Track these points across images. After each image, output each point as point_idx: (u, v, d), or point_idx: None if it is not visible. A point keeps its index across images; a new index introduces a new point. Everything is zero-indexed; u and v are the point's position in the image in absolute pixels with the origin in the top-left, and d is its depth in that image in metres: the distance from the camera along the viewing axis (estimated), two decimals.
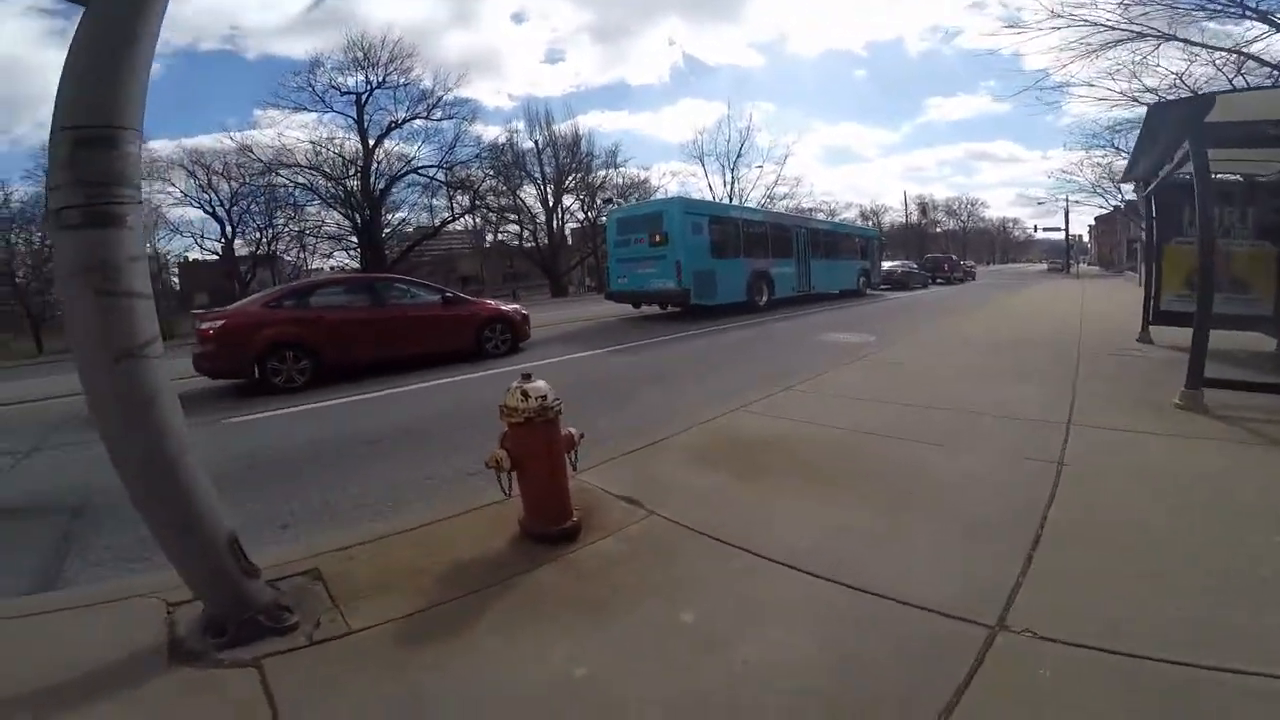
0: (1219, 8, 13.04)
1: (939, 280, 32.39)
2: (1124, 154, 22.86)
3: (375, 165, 34.97)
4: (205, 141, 42.39)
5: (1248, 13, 12.93)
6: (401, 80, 34.52)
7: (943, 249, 59.60)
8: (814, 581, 2.20)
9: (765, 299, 15.61)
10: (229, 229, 35.40)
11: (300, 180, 34.01)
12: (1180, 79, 14.46)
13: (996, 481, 3.09)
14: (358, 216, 34.84)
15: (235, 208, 34.85)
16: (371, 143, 34.66)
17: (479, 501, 2.97)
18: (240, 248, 36.50)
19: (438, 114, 35.63)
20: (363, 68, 33.65)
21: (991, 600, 2.02)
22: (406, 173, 35.98)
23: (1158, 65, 14.86)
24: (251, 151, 32.57)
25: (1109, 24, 13.74)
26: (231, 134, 33.14)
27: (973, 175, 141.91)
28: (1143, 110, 16.60)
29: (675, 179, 45.96)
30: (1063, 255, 51.64)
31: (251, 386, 7.10)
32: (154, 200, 33.29)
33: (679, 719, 1.62)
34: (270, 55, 68.45)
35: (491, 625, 2.07)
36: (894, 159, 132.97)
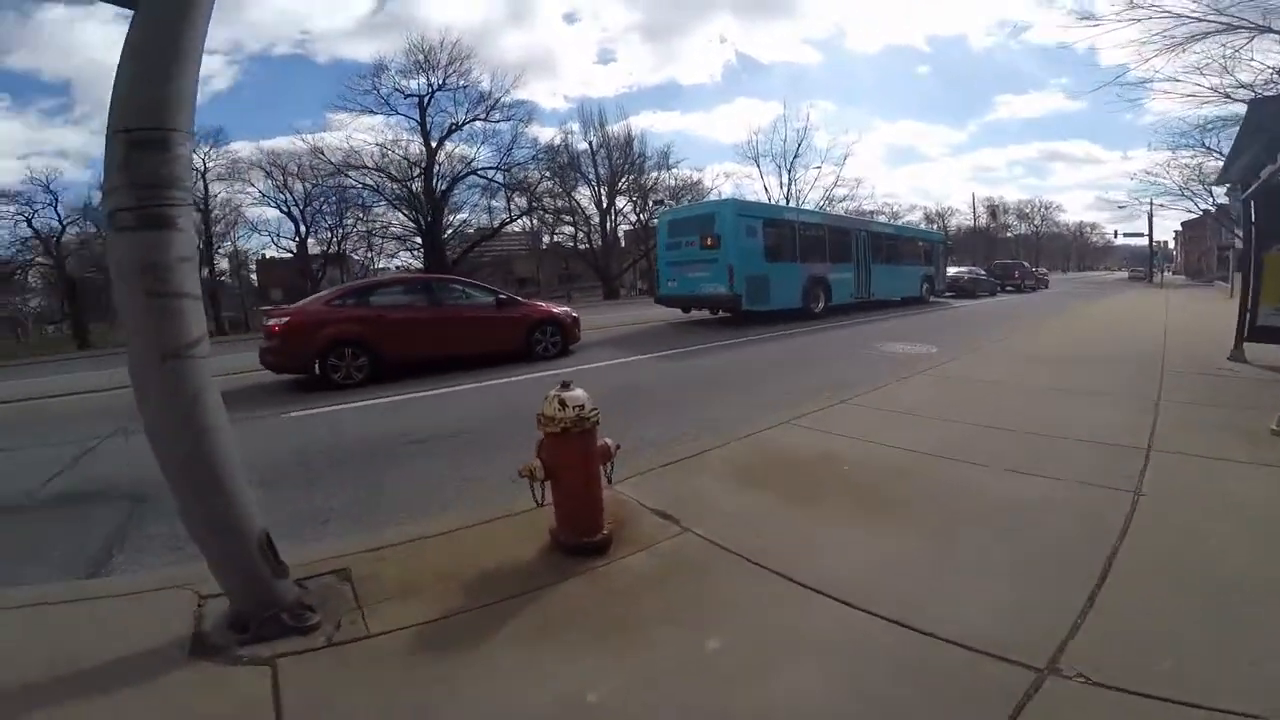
0: None
1: (1009, 288, 30.88)
2: (1216, 154, 21.23)
3: (437, 167, 36.15)
4: (281, 143, 44.73)
5: None
6: (461, 82, 35.63)
7: (1013, 254, 56.93)
8: (852, 614, 2.07)
9: (821, 306, 15.17)
10: (302, 228, 37.33)
11: (368, 182, 35.56)
12: (1277, 73, 13.28)
13: (1064, 511, 2.84)
14: (421, 218, 36.01)
15: (308, 208, 36.70)
16: (434, 144, 35.84)
17: (514, 507, 2.94)
18: (313, 246, 38.44)
19: (496, 115, 36.61)
20: (424, 70, 34.91)
21: (1044, 641, 1.85)
22: (467, 174, 37.11)
23: (1252, 59, 13.69)
24: (322, 153, 34.29)
25: (1194, 15, 12.72)
26: (303, 136, 34.91)
27: (1046, 177, 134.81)
28: (1238, 107, 15.46)
29: (729, 180, 45.60)
30: (1145, 263, 48.52)
31: (312, 382, 7.37)
32: (234, 200, 35.55)
33: None
34: (339, 58, 72.03)
35: (509, 638, 2.03)
36: (961, 159, 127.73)
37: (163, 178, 1.84)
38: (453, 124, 35.87)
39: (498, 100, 36.32)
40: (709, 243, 13.49)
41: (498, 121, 36.77)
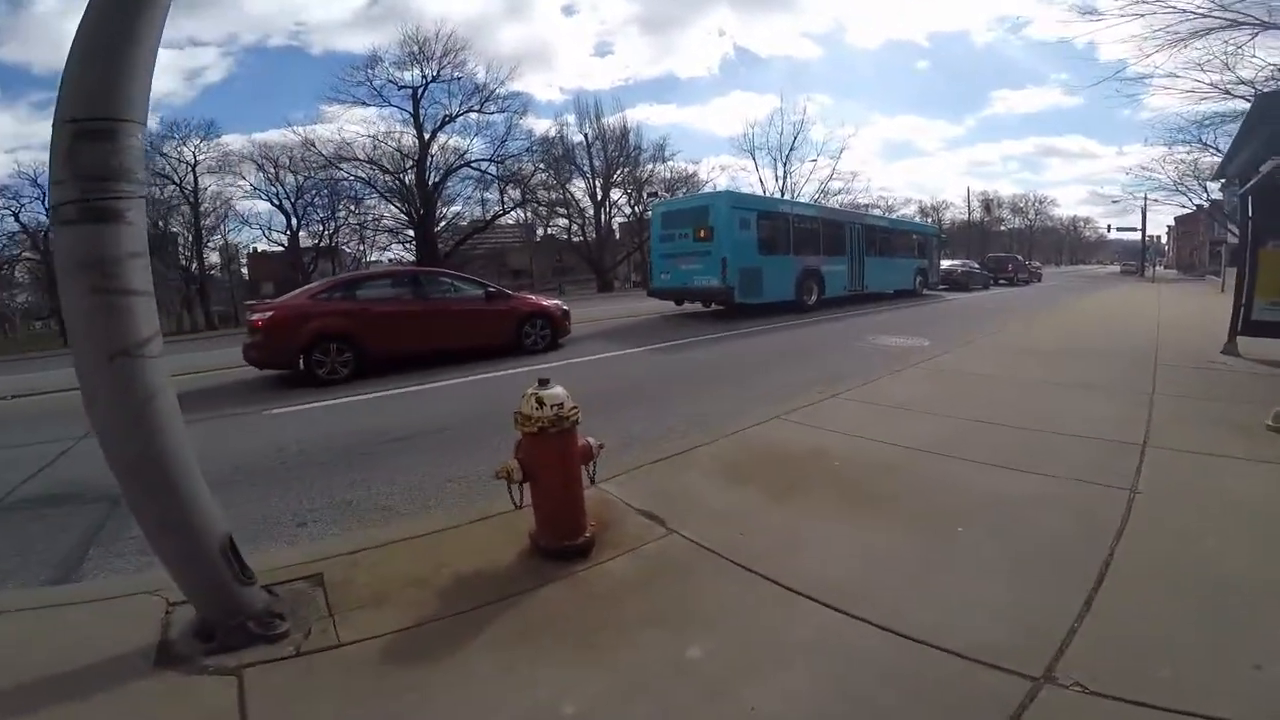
0: None
1: (1002, 281, 30.84)
2: (1212, 150, 21.20)
3: (430, 159, 35.83)
4: (274, 136, 44.20)
5: None
6: (456, 74, 35.19)
7: (1006, 248, 57.03)
8: (842, 619, 1.99)
9: (815, 298, 15.09)
10: (294, 221, 36.92)
11: (360, 174, 35.19)
12: (1279, 70, 13.21)
13: (1059, 509, 2.78)
14: (413, 210, 35.72)
15: (300, 200, 36.31)
16: (426, 136, 35.48)
17: (493, 509, 2.85)
18: (304, 239, 38.06)
19: (491, 108, 36.19)
20: (418, 62, 34.45)
21: (1040, 648, 1.78)
22: (460, 166, 36.76)
23: (1254, 56, 13.60)
24: (314, 146, 33.87)
25: (1200, 11, 12.62)
26: (295, 128, 34.49)
27: (1041, 171, 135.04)
28: (1236, 104, 15.43)
29: (725, 173, 45.64)
30: (1137, 257, 48.65)
31: (296, 378, 7.24)
32: (225, 193, 35.17)
33: None
34: (333, 50, 71.07)
35: (485, 646, 1.96)
36: (957, 153, 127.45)
37: (111, 170, 1.74)
38: (446, 115, 35.56)
39: (492, 92, 35.99)
40: (703, 235, 13.37)
41: (492, 113, 36.50)
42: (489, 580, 2.34)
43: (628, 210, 43.76)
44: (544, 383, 2.38)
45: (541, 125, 56.36)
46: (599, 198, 42.51)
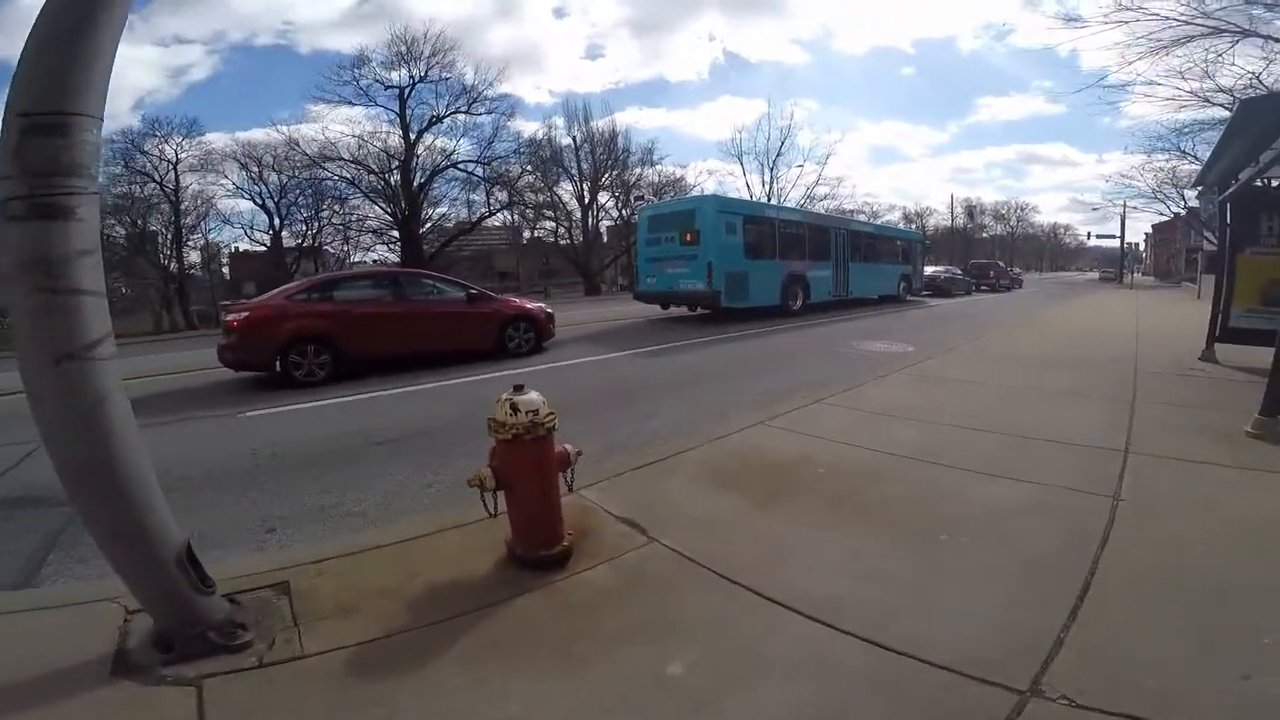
0: None
1: (984, 287, 31.22)
2: (1190, 158, 21.59)
3: (416, 159, 35.53)
4: (258, 135, 43.56)
5: None
6: (444, 75, 34.96)
7: (989, 254, 57.72)
8: (826, 632, 1.94)
9: (800, 303, 15.13)
10: (277, 221, 36.37)
11: (344, 174, 34.80)
12: (1257, 78, 13.45)
13: (1043, 517, 2.75)
14: (398, 211, 35.41)
15: (283, 200, 35.76)
16: (413, 137, 35.21)
17: (468, 516, 2.76)
18: (288, 239, 37.48)
19: (479, 109, 35.99)
20: (405, 62, 34.16)
21: (1026, 660, 1.75)
22: (446, 167, 36.48)
23: (1233, 63, 13.85)
24: (298, 145, 33.43)
25: (1183, 18, 12.82)
26: (279, 127, 34.00)
27: (1023, 179, 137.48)
28: (1216, 111, 15.70)
29: (712, 177, 45.43)
30: (1115, 264, 49.47)
31: (273, 380, 7.08)
32: (207, 192, 34.64)
33: None
34: (321, 50, 70.39)
35: (456, 658, 1.89)
36: (941, 160, 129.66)
37: (61, 165, 1.65)
38: (434, 116, 35.27)
39: (481, 93, 35.78)
40: (689, 239, 13.36)
41: (480, 114, 36.30)
42: (462, 590, 2.27)
43: (615, 213, 43.81)
44: (519, 388, 2.31)
45: (530, 128, 56.35)
46: (586, 201, 42.49)
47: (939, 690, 1.66)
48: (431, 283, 9.09)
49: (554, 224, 43.06)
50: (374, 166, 34.75)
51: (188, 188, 33.63)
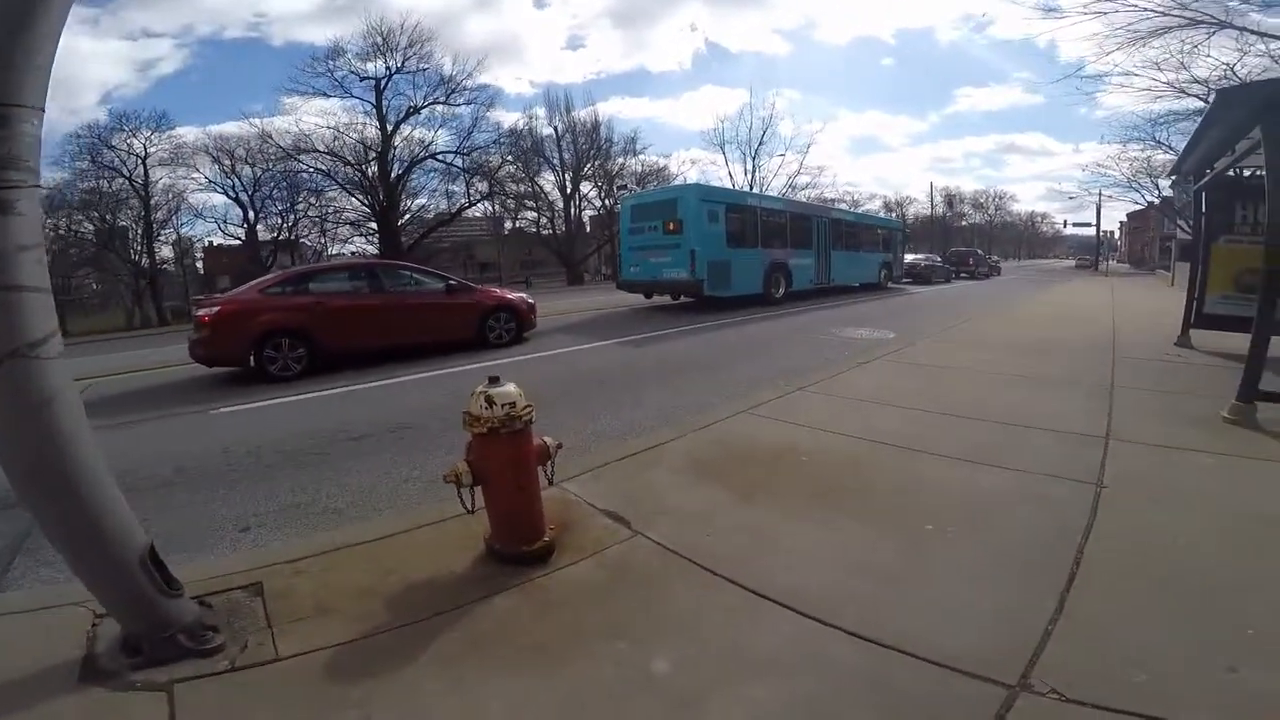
0: None
1: (963, 275, 31.50)
2: (1165, 147, 21.89)
3: (393, 151, 34.95)
4: (230, 128, 42.50)
5: None
6: (421, 66, 34.36)
7: (967, 242, 58.33)
8: (814, 627, 1.90)
9: (782, 292, 15.12)
10: (251, 214, 35.62)
11: (320, 166, 34.17)
12: (1231, 70, 13.63)
13: (1028, 505, 2.75)
14: (376, 202, 34.85)
15: (257, 193, 35.05)
16: (390, 128, 34.58)
17: (446, 512, 2.69)
18: (263, 233, 36.73)
19: (458, 100, 35.45)
20: (382, 53, 33.48)
21: (1015, 653, 1.73)
22: (424, 158, 35.95)
23: (1208, 55, 14.01)
24: (271, 138, 32.76)
25: (1160, 9, 12.92)
26: (252, 120, 33.29)
27: (1001, 168, 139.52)
28: (1191, 102, 15.91)
29: (695, 167, 45.39)
30: (1091, 252, 50.19)
31: (247, 375, 6.93)
32: (178, 186, 33.84)
33: None
34: (295, 42, 68.78)
35: (434, 659, 1.84)
36: (921, 150, 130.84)
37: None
38: (411, 107, 34.66)
39: (459, 84, 35.23)
40: (672, 228, 13.27)
41: (459, 105, 35.74)
42: (441, 588, 2.21)
43: (598, 203, 43.50)
44: (494, 380, 2.23)
45: (510, 118, 55.47)
46: (569, 191, 42.18)
47: (928, 685, 1.63)
48: (409, 274, 8.94)
49: (536, 214, 42.72)
50: (350, 158, 34.19)
51: (157, 182, 32.92)
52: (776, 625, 1.93)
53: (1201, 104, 14.66)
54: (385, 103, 34.33)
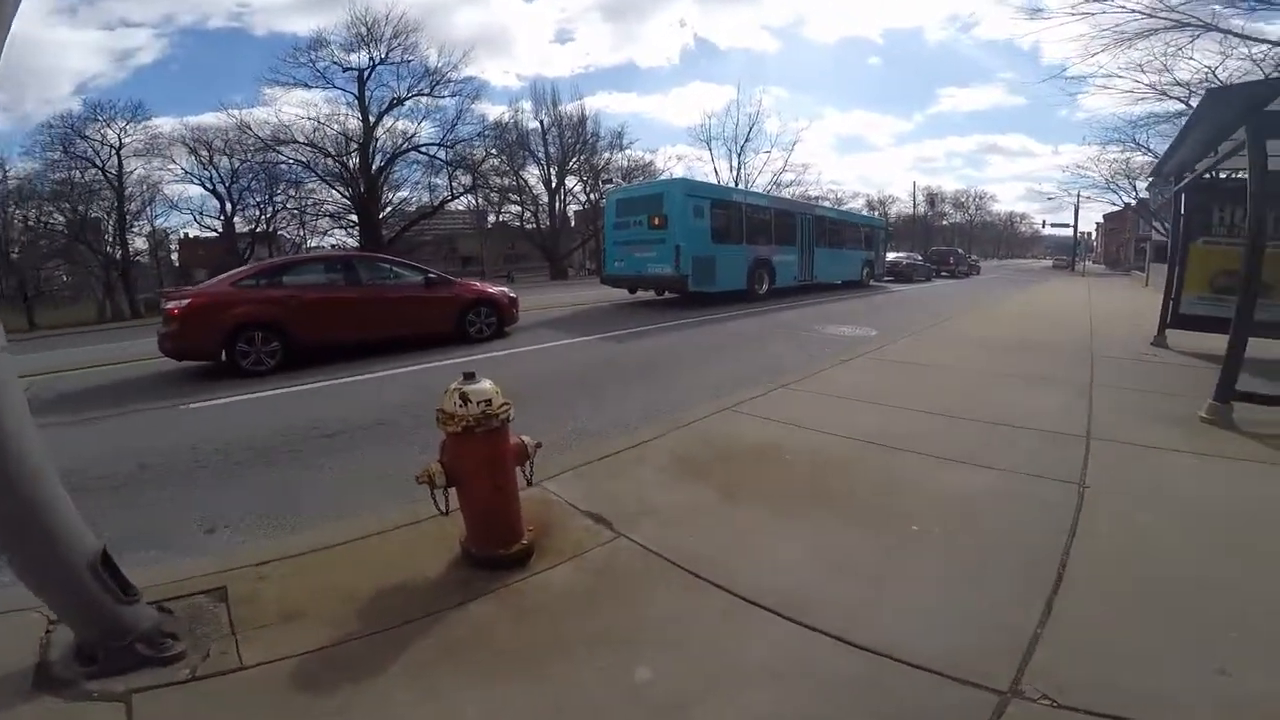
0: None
1: (943, 274, 31.82)
2: (1143, 149, 22.32)
3: (375, 142, 34.37)
4: (209, 119, 41.57)
5: None
6: (406, 57, 33.78)
7: (948, 242, 58.98)
8: (800, 632, 1.86)
9: (766, 288, 15.12)
10: (229, 206, 34.83)
11: (300, 157, 33.48)
12: (1213, 73, 13.85)
13: (1012, 505, 2.73)
14: (357, 195, 34.29)
15: (235, 184, 34.26)
16: (372, 119, 34.02)
17: (423, 512, 2.60)
18: (240, 225, 35.96)
19: (443, 91, 34.93)
20: (366, 44, 32.86)
21: (1005, 657, 1.70)
22: (407, 150, 35.41)
23: (1191, 58, 14.23)
24: (250, 129, 32.01)
25: (1147, 10, 13.07)
26: (230, 111, 32.48)
27: (983, 168, 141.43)
28: (1171, 105, 16.18)
29: (681, 163, 45.12)
30: (1068, 252, 51.02)
31: (219, 369, 6.73)
32: (153, 177, 33.03)
33: None
34: (279, 32, 67.43)
35: (406, 668, 1.76)
36: (905, 149, 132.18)
37: None
38: (395, 98, 34.07)
39: (444, 75, 34.67)
40: (657, 222, 13.17)
41: (444, 97, 35.22)
42: (414, 593, 2.13)
43: (583, 198, 43.27)
44: (469, 376, 2.14)
45: (496, 111, 55.03)
46: (554, 185, 41.83)
47: (919, 693, 1.59)
48: (388, 266, 8.74)
49: (520, 208, 42.35)
50: (331, 150, 33.57)
51: (132, 173, 32.03)
52: (763, 631, 1.88)
53: (1183, 106, 14.93)
54: (368, 94, 33.78)
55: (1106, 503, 2.72)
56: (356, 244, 33.70)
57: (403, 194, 37.35)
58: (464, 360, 6.96)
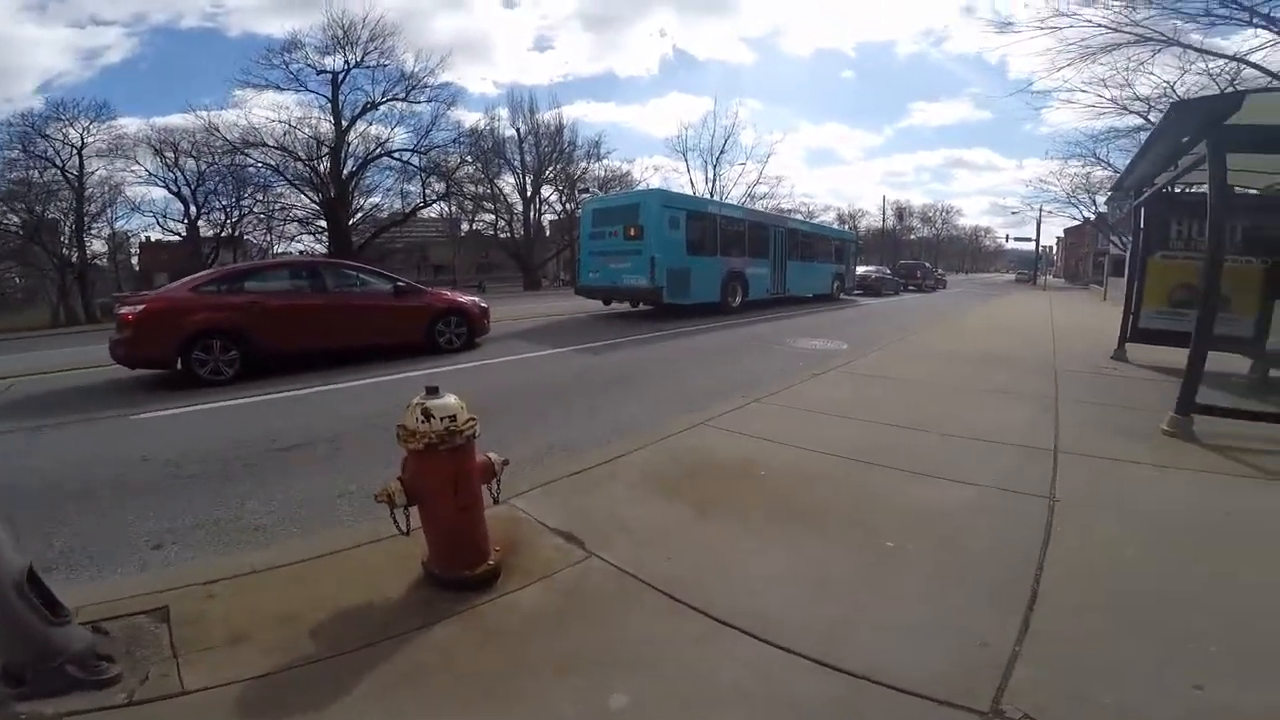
0: (1226, 14, 12.82)
1: (911, 287, 32.41)
2: (1104, 164, 23.13)
3: (347, 147, 33.89)
4: (176, 120, 40.44)
5: (1255, 20, 12.78)
6: (382, 61, 33.43)
7: (916, 255, 60.17)
8: (777, 655, 1.80)
9: (739, 301, 15.19)
10: (193, 209, 33.87)
11: (269, 161, 32.80)
12: (1171, 87, 14.41)
13: (985, 520, 2.73)
14: (326, 200, 33.67)
15: (201, 187, 33.37)
16: (345, 124, 33.52)
17: (384, 530, 2.48)
18: (205, 229, 34.96)
19: (419, 97, 34.58)
20: (341, 47, 32.47)
21: (984, 677, 1.67)
22: (380, 155, 34.92)
23: (1152, 72, 14.82)
24: (218, 131, 31.27)
25: (1112, 25, 13.55)
26: (198, 112, 31.68)
27: (949, 182, 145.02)
28: (1132, 119, 16.78)
29: (658, 173, 45.73)
30: (1030, 266, 52.46)
31: (175, 378, 6.46)
32: (115, 178, 32.03)
33: None
34: (253, 33, 66.24)
35: (363, 695, 1.67)
36: (875, 163, 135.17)
37: None
38: (369, 102, 33.63)
39: (420, 81, 34.34)
40: (633, 233, 13.14)
41: (419, 102, 34.85)
42: (372, 616, 2.02)
43: (559, 207, 43.14)
44: (432, 391, 2.05)
45: (472, 118, 54.50)
46: (529, 194, 41.69)
47: (901, 716, 1.55)
48: (355, 274, 8.54)
49: (494, 217, 42.06)
50: (302, 153, 32.94)
51: (93, 173, 31.03)
52: (742, 654, 1.81)
53: (1142, 121, 15.50)
54: (342, 97, 33.37)
55: (1076, 516, 2.73)
56: (325, 250, 33.04)
57: (374, 200, 36.85)
58: (432, 371, 6.82)
